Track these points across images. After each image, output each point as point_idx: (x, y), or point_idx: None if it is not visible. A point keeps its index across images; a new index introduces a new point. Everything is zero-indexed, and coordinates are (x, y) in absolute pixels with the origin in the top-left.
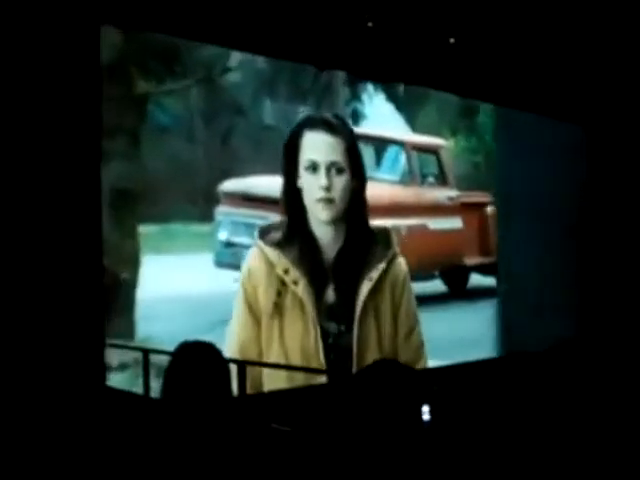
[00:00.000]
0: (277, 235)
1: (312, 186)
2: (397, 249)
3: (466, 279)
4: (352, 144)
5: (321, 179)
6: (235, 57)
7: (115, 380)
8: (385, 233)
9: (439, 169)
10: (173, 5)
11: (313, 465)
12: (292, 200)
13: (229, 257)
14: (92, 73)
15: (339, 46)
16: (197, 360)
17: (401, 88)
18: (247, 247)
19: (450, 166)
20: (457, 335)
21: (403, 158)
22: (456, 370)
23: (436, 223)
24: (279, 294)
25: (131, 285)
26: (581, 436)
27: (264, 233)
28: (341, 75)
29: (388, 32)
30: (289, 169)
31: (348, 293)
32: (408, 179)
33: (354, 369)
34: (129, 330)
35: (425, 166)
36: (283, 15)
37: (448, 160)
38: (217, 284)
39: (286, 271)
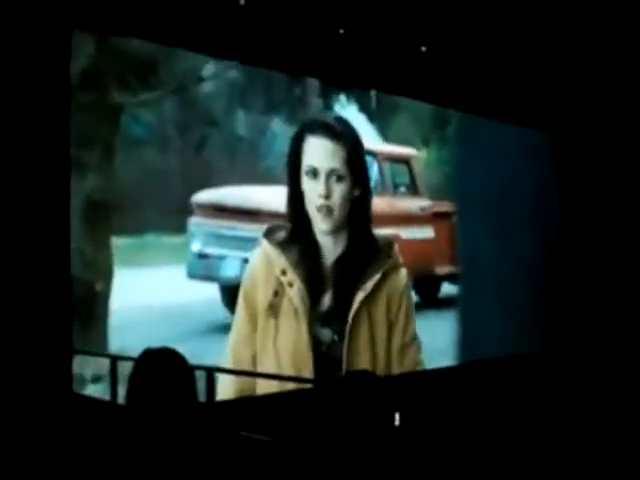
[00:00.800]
0: (281, 235)
1: (312, 192)
2: (399, 260)
3: (437, 288)
4: (354, 151)
5: (320, 187)
6: (209, 68)
7: (89, 392)
8: (388, 243)
9: (411, 179)
10: (147, 10)
11: (283, 473)
12: (295, 203)
13: (201, 268)
14: (62, 79)
15: (311, 53)
16: (160, 366)
17: (373, 99)
18: (219, 258)
19: (422, 176)
20: (430, 343)
21: (375, 168)
22: (425, 376)
23: (408, 233)
24: (276, 294)
25: (105, 297)
26: (547, 441)
27: (270, 232)
28: (314, 86)
29: (360, 39)
30: (292, 172)
31: (343, 301)
32: (380, 189)
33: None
34: (102, 341)
35: (397, 176)
36: (257, 21)
37: (419, 170)
38: (191, 295)
39: (283, 272)
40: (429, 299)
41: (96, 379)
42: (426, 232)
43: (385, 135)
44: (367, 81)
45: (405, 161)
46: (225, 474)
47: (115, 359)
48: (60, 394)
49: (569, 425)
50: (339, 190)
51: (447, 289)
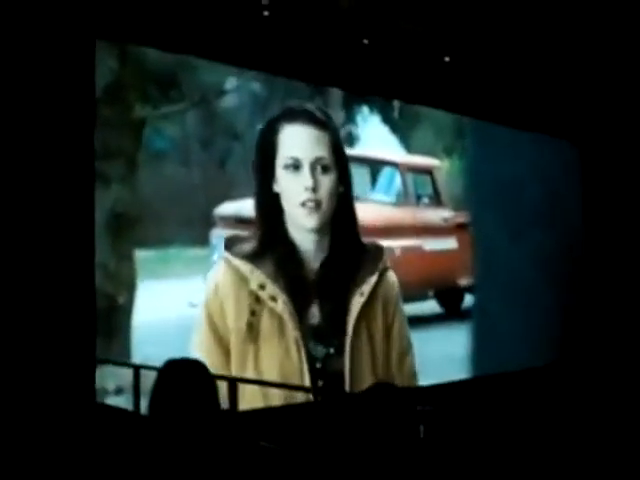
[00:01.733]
0: (248, 246)
1: (293, 188)
2: (388, 262)
3: (461, 299)
4: (338, 140)
5: (305, 179)
6: (231, 81)
7: (111, 403)
8: (376, 245)
9: (434, 190)
10: (169, 20)
11: None
12: (268, 206)
13: None
14: (87, 90)
15: (334, 63)
16: (183, 377)
17: (396, 110)
18: None
19: (444, 186)
20: (453, 354)
21: (398, 179)
22: (448, 389)
23: (431, 244)
24: (253, 313)
25: (127, 309)
26: (562, 456)
27: (231, 244)
28: (336, 97)
29: (383, 49)
30: (263, 170)
31: (337, 310)
32: (403, 200)
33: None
34: (125, 354)
35: (420, 187)
36: (280, 32)
37: (442, 181)
38: None
39: (262, 286)
40: (453, 310)
41: (118, 391)
42: (449, 243)
43: (408, 146)
44: (390, 91)
45: (428, 172)
46: None
47: (138, 369)
48: (84, 404)
49: (588, 435)
50: (326, 182)
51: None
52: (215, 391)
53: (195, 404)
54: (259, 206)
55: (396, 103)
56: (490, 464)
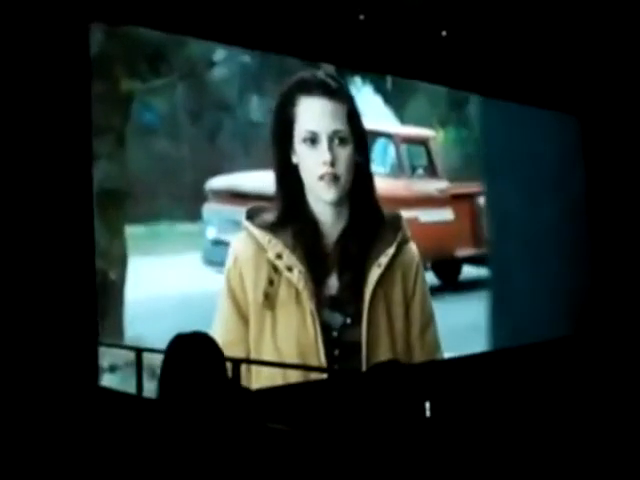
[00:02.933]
0: (269, 217)
1: (312, 161)
2: (408, 233)
3: (458, 271)
4: (353, 108)
5: (323, 153)
6: (220, 52)
7: (105, 382)
8: (395, 215)
9: (428, 160)
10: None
11: (312, 465)
12: (287, 178)
13: (218, 255)
14: (82, 70)
15: (331, 39)
16: (194, 350)
17: (389, 81)
18: None
19: (439, 157)
20: (450, 327)
21: (392, 150)
22: (454, 364)
23: (427, 215)
24: (271, 283)
25: (119, 285)
26: (578, 432)
27: (253, 214)
28: (329, 67)
29: (380, 25)
30: (282, 143)
31: (354, 281)
32: (398, 171)
33: (363, 366)
34: (118, 330)
35: (414, 158)
36: (273, 7)
37: (437, 151)
38: (206, 282)
39: (279, 256)
40: (450, 282)
41: (112, 369)
42: (445, 214)
43: (401, 116)
44: (386, 66)
45: (422, 142)
46: (256, 467)
47: (140, 351)
48: (87, 387)
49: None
50: (344, 155)
51: (468, 272)
52: (224, 366)
53: (205, 380)
54: (279, 178)
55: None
56: (497, 443)
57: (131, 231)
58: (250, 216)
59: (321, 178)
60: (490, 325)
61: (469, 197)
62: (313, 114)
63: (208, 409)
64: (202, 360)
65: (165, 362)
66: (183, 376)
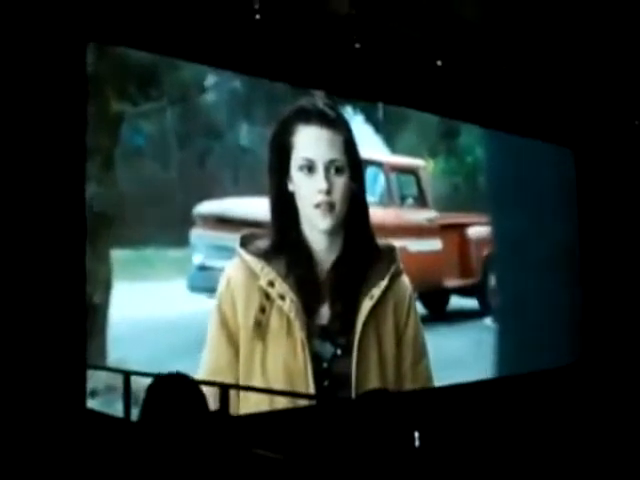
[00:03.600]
0: (263, 244)
1: (308, 189)
2: (401, 265)
3: (446, 301)
4: (350, 138)
5: (320, 181)
6: (210, 78)
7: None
8: (389, 246)
9: (418, 190)
10: (155, 22)
11: None
12: (282, 206)
13: (203, 281)
14: (78, 90)
15: (324, 67)
16: (171, 393)
17: (380, 110)
18: (221, 270)
19: (429, 187)
20: (437, 357)
21: (382, 179)
22: (444, 393)
23: (416, 245)
24: (262, 310)
25: (103, 309)
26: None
27: (247, 241)
28: (319, 96)
29: (376, 54)
30: (279, 170)
31: (345, 311)
32: (387, 200)
33: (353, 397)
34: (101, 353)
35: (404, 187)
36: (268, 35)
37: (427, 181)
38: (192, 307)
39: (271, 283)
40: (437, 312)
41: (93, 394)
42: (433, 244)
43: (392, 146)
44: (380, 95)
45: (412, 172)
46: None
47: (128, 374)
48: (74, 410)
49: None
50: (340, 183)
51: (456, 303)
52: (204, 403)
53: (185, 418)
54: (274, 205)
55: (380, 103)
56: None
57: (118, 255)
58: (244, 243)
59: (317, 206)
60: (496, 352)
61: (458, 227)
62: (311, 142)
63: (185, 444)
64: (180, 401)
65: (144, 404)
66: (161, 417)
